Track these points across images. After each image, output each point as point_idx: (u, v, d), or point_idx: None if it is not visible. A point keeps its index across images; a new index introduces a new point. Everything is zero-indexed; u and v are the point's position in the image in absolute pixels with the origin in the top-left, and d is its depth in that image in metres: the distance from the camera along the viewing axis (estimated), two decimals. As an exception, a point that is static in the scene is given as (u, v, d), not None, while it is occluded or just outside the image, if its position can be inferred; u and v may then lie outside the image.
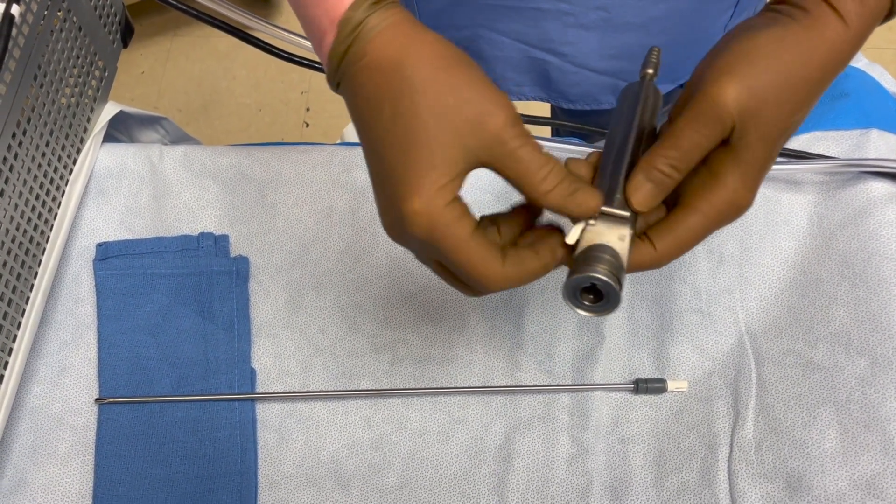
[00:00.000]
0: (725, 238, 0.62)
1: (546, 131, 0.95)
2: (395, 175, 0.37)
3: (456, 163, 0.36)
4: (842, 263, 0.58)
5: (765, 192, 0.61)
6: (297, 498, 0.58)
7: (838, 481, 0.53)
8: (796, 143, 0.62)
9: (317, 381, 0.61)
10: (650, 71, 0.45)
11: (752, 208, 0.62)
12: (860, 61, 0.69)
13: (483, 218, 0.41)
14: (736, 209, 0.39)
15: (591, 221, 0.39)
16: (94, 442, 0.59)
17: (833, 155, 0.62)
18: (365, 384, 0.61)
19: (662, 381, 0.58)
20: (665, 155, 0.38)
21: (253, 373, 0.62)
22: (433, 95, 0.36)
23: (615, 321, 0.61)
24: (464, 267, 0.37)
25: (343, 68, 0.38)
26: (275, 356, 0.62)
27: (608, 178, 0.40)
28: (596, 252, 0.38)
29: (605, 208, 0.39)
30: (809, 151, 0.61)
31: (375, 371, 0.61)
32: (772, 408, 0.56)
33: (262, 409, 0.61)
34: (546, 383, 0.60)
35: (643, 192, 0.39)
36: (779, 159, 0.61)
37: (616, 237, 0.39)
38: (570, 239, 0.39)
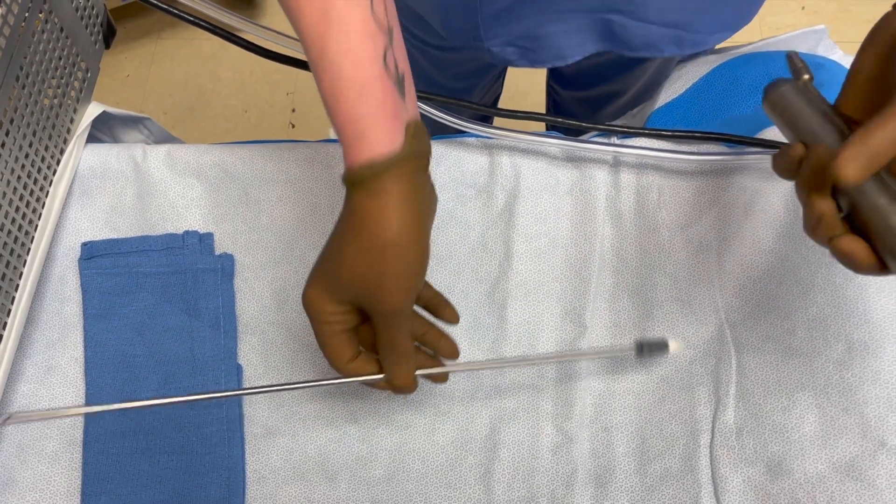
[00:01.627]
0: (704, 227, 0.62)
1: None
2: (317, 265, 0.48)
3: (347, 297, 0.47)
4: (818, 251, 0.59)
5: (742, 182, 0.62)
6: (285, 491, 0.59)
7: (818, 464, 0.54)
8: (773, 133, 0.63)
9: (303, 376, 0.62)
10: (807, 77, 0.46)
11: (731, 198, 0.63)
12: (835, 53, 0.70)
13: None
14: None
15: None
16: (82, 440, 0.60)
17: (809, 144, 0.63)
18: (351, 378, 0.62)
19: (664, 342, 0.55)
20: (884, 129, 0.37)
21: (239, 369, 0.62)
22: (374, 248, 0.45)
23: (597, 311, 0.62)
24: (322, 349, 0.50)
25: (352, 186, 0.45)
26: (261, 352, 0.63)
27: None
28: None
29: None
30: (785, 141, 0.62)
31: (361, 365, 0.62)
32: (752, 394, 0.57)
33: (249, 405, 0.61)
34: (530, 375, 0.61)
35: (856, 162, 0.37)
36: (756, 149, 0.62)
37: None
38: None
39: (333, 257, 0.47)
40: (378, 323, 0.48)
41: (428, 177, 0.48)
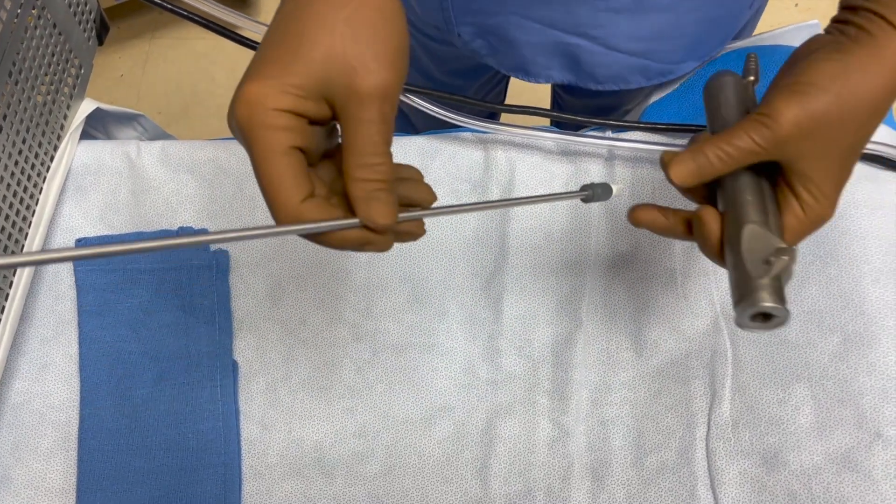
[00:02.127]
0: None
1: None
2: (255, 61, 0.36)
3: (312, 79, 0.35)
4: (813, 243, 0.59)
5: (737, 176, 0.62)
6: (282, 487, 0.59)
7: (814, 456, 0.54)
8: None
9: (299, 371, 0.62)
10: (752, 78, 0.46)
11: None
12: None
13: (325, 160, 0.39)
14: (817, 221, 0.41)
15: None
16: (77, 437, 0.59)
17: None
18: (346, 374, 0.62)
19: (608, 185, 0.50)
20: (717, 146, 0.40)
21: (235, 365, 0.62)
22: (340, 19, 0.35)
23: (592, 305, 0.62)
24: (261, 180, 0.35)
25: None
26: (256, 348, 0.63)
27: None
28: (746, 277, 0.39)
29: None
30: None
31: (357, 360, 0.62)
32: (747, 386, 0.57)
33: (244, 401, 0.61)
34: (527, 368, 0.61)
35: (684, 168, 0.40)
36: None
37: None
38: None
39: (289, 27, 0.36)
40: (352, 114, 0.35)
41: None
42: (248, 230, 0.34)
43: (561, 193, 0.52)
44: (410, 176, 0.41)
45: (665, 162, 0.42)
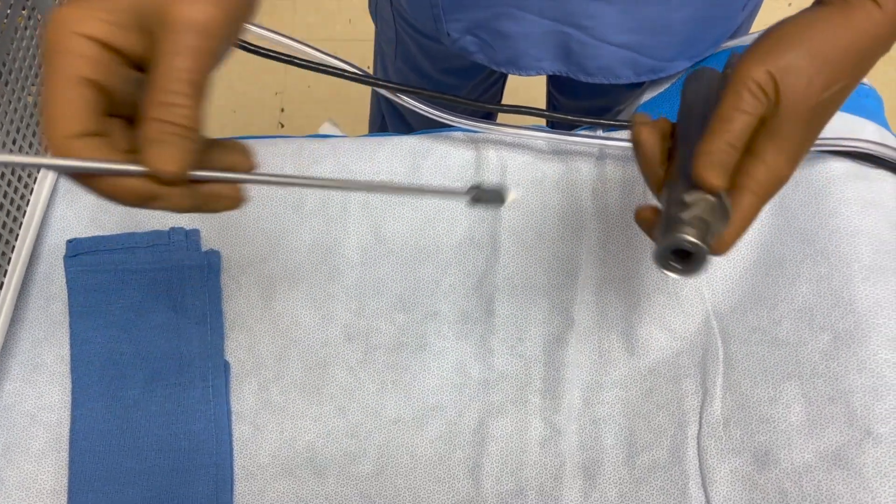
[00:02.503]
0: (690, 220, 0.63)
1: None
2: None
3: (125, 5, 0.31)
4: (804, 241, 0.59)
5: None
6: (274, 488, 0.59)
7: (805, 454, 0.54)
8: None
9: (291, 371, 0.62)
10: (730, 70, 0.47)
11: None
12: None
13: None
14: (777, 182, 0.41)
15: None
16: (69, 438, 0.59)
17: (793, 136, 0.63)
18: (339, 374, 0.62)
19: (500, 192, 0.43)
20: (721, 136, 0.39)
21: (227, 366, 0.62)
22: None
23: (584, 304, 0.62)
24: (43, 105, 0.31)
25: None
26: (248, 349, 0.63)
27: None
28: (675, 219, 0.39)
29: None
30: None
31: (349, 360, 0.62)
32: (739, 384, 0.57)
33: (236, 401, 0.61)
34: (519, 368, 0.61)
35: (714, 172, 0.39)
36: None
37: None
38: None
39: None
40: (159, 46, 0.31)
41: None
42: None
43: (438, 188, 0.44)
44: (232, 143, 0.37)
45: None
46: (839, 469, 0.53)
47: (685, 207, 0.39)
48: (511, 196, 0.43)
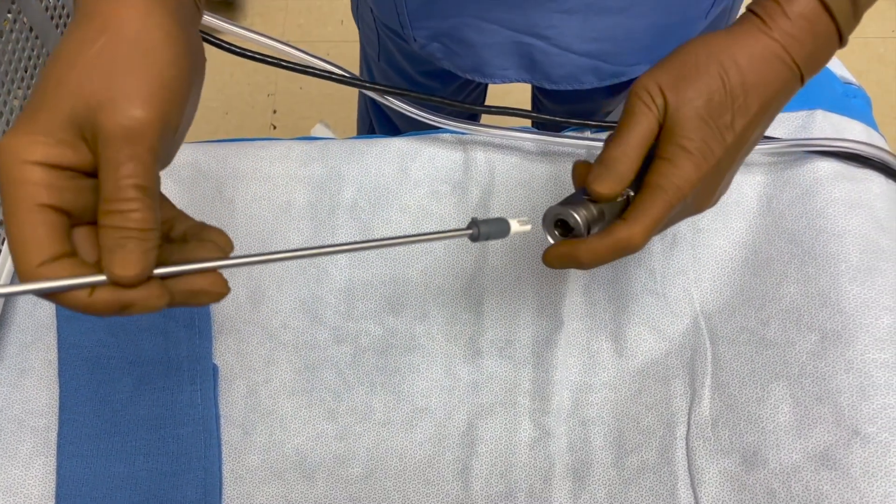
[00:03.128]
0: (678, 220, 0.63)
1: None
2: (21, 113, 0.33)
3: (59, 124, 0.31)
4: (791, 242, 0.60)
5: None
6: (263, 491, 0.59)
7: (793, 454, 0.54)
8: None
9: (279, 374, 0.62)
10: None
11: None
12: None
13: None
14: (683, 179, 0.41)
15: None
16: (56, 442, 0.59)
17: (779, 136, 0.63)
18: (328, 376, 0.61)
19: (504, 220, 0.44)
20: (616, 147, 0.42)
21: (215, 369, 0.62)
22: (90, 55, 0.32)
23: (573, 305, 0.62)
24: (7, 237, 0.32)
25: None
26: (237, 352, 0.62)
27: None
28: (580, 198, 0.43)
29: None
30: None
31: (338, 363, 0.62)
32: (727, 385, 0.57)
33: (225, 405, 0.61)
34: (508, 369, 0.61)
35: (603, 183, 0.42)
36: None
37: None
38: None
39: (45, 72, 0.33)
40: (100, 156, 0.31)
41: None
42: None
43: (439, 233, 0.43)
44: (209, 237, 0.36)
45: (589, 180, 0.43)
46: (827, 469, 0.53)
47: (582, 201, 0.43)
48: (516, 224, 0.44)
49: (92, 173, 0.33)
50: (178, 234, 0.37)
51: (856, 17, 0.42)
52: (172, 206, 0.37)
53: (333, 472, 0.59)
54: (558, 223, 0.44)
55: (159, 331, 0.62)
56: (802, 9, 0.41)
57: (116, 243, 0.31)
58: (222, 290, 0.35)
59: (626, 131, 0.42)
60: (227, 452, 0.60)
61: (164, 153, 0.33)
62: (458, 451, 0.59)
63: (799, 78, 0.43)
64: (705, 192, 0.44)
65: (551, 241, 0.44)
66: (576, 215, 0.42)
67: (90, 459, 0.58)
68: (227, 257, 0.36)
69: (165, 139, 0.33)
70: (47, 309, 0.63)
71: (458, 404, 0.60)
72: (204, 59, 0.37)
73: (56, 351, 0.61)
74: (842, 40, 0.43)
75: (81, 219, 0.33)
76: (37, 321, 0.62)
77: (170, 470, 0.59)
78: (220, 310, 0.63)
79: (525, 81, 0.68)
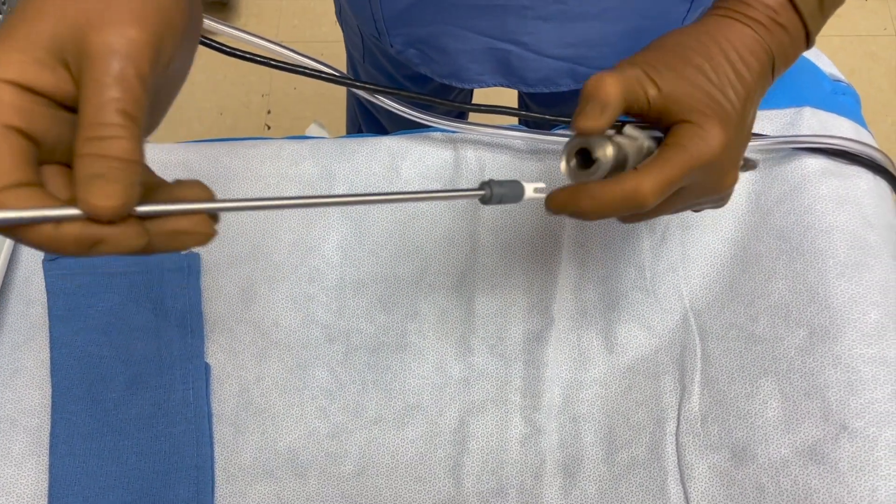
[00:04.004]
0: (667, 217, 0.63)
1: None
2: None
3: (38, 41, 0.29)
4: (779, 238, 0.60)
5: (705, 172, 0.63)
6: (255, 490, 0.59)
7: (781, 449, 0.54)
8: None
9: (271, 373, 0.62)
10: None
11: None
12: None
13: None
14: (705, 142, 0.39)
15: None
16: (49, 442, 0.59)
17: (767, 133, 0.63)
18: (320, 374, 0.62)
19: (518, 183, 0.40)
20: (596, 80, 0.40)
21: (207, 368, 0.62)
22: None
23: (563, 303, 0.62)
24: None
25: None
26: (229, 351, 0.63)
27: None
28: (608, 135, 0.40)
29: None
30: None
31: (330, 361, 0.62)
32: (716, 381, 0.58)
33: (217, 403, 0.61)
34: (499, 366, 0.61)
35: (585, 118, 0.39)
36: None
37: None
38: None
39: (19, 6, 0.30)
40: (83, 77, 0.29)
41: None
42: None
43: (449, 191, 0.39)
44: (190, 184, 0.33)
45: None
46: (815, 464, 0.53)
47: (620, 133, 0.40)
48: (531, 188, 0.40)
49: (69, 107, 0.30)
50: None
51: (822, 13, 0.43)
52: (153, 172, 0.33)
53: (325, 470, 0.59)
54: (579, 153, 0.40)
55: (151, 330, 0.62)
56: (767, 0, 0.42)
57: (95, 172, 0.28)
58: (207, 231, 0.31)
59: (610, 73, 0.39)
60: (220, 451, 0.60)
61: (152, 91, 0.30)
62: (450, 448, 0.59)
63: (772, 66, 0.42)
64: (729, 162, 0.41)
65: (562, 172, 0.41)
66: (601, 148, 0.38)
67: (83, 458, 0.59)
68: (214, 199, 0.32)
69: (157, 71, 0.30)
70: (39, 309, 0.63)
71: (449, 402, 0.61)
72: (201, 19, 0.34)
73: (48, 350, 0.62)
74: (808, 36, 0.43)
75: (52, 156, 0.30)
76: (29, 321, 0.63)
77: (162, 468, 0.59)
78: (212, 308, 0.63)
79: (501, 85, 0.69)
